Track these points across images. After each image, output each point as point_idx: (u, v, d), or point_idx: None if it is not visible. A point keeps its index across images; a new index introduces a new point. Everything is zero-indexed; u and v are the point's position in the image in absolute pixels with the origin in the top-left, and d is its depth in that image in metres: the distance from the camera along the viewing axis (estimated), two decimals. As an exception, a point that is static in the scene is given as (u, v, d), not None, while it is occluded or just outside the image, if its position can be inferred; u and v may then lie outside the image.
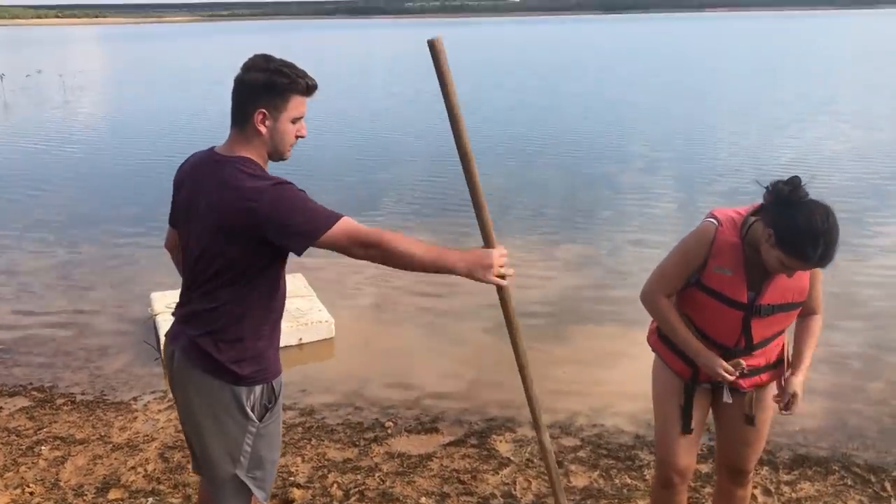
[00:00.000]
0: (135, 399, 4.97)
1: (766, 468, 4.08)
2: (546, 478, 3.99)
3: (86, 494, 3.84)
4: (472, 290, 6.68)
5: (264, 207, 2.25)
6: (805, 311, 2.74)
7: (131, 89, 28.03)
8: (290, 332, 5.76)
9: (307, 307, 6.10)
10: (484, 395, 5.00)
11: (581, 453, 4.26)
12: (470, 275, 2.37)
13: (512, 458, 4.22)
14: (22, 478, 4.02)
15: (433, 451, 4.30)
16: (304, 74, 2.40)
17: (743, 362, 2.67)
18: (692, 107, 19.85)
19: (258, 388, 2.52)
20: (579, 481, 3.97)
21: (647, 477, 3.98)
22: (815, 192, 2.47)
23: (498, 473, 4.05)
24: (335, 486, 3.92)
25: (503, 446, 4.36)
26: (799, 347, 2.79)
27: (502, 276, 2.44)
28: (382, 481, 3.97)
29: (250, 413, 2.51)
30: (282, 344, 5.73)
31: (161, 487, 3.90)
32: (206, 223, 2.36)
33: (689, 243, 2.68)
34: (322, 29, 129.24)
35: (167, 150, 14.24)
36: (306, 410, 4.83)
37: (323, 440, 4.43)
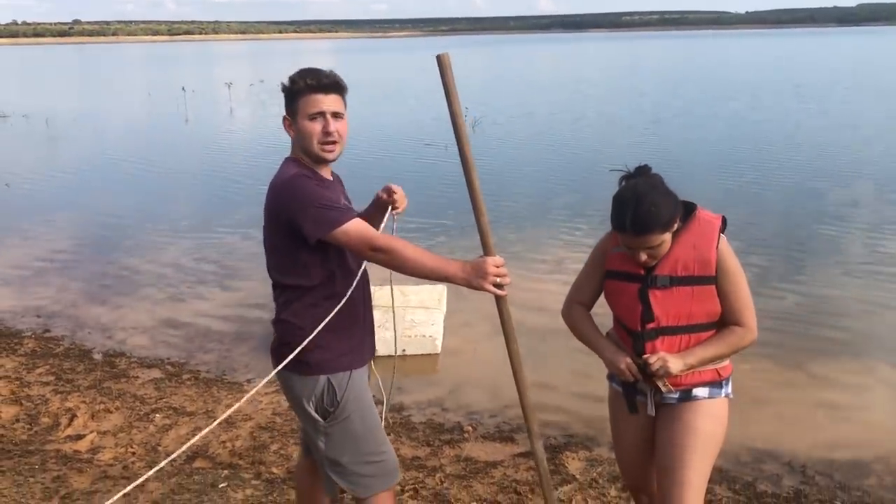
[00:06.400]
0: (248, 381, 5.39)
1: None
2: (604, 500, 3.89)
3: (175, 460, 4.24)
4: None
5: (287, 193, 2.49)
6: (727, 319, 2.56)
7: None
8: (393, 341, 5.89)
9: (421, 320, 6.08)
10: (572, 412, 4.91)
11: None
12: (468, 283, 2.45)
13: (578, 476, 4.13)
14: (131, 439, 4.51)
15: (501, 460, 4.31)
16: (308, 75, 2.54)
17: (647, 359, 2.52)
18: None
19: (321, 381, 2.59)
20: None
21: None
22: None
23: (557, 489, 3.98)
24: (394, 480, 4.04)
25: (573, 464, 4.28)
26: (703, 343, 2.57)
27: (500, 286, 2.47)
28: (441, 482, 4.04)
29: (308, 408, 2.61)
30: (385, 352, 5.94)
31: (240, 462, 4.23)
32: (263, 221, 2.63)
33: (596, 244, 2.75)
34: (538, 43, 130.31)
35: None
36: (395, 407, 5.00)
37: (401, 436, 4.58)
